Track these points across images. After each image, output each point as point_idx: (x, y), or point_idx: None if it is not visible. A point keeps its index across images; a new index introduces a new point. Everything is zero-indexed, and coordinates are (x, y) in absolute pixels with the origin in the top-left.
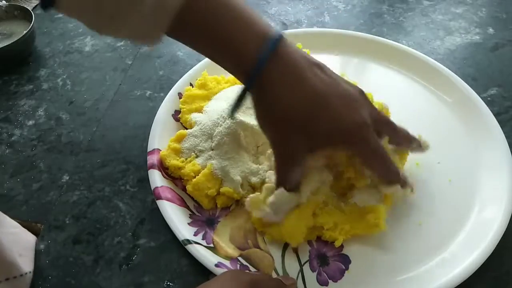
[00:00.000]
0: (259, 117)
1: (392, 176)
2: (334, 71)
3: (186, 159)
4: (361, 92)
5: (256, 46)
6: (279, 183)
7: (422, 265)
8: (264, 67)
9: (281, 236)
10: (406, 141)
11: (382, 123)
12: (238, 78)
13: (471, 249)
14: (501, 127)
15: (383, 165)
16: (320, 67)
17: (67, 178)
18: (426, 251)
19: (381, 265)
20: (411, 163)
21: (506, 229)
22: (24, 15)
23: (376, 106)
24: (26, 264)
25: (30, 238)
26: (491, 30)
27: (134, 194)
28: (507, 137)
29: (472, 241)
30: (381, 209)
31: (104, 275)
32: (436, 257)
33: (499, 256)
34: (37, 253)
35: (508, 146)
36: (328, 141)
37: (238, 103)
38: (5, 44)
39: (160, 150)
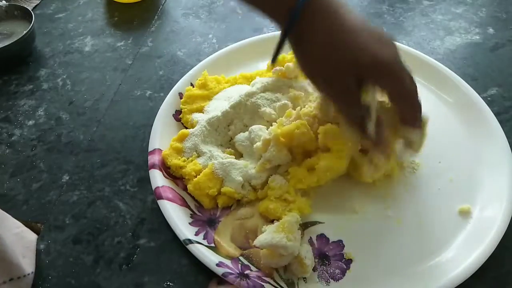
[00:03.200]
0: (300, 60)
1: (416, 121)
2: None
3: (188, 158)
4: (391, 37)
5: None
6: (346, 121)
7: (422, 265)
8: (301, 9)
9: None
10: (412, 115)
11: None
12: (278, 24)
13: (471, 249)
14: (501, 127)
15: (412, 108)
16: (349, 8)
17: (67, 178)
18: (427, 251)
19: (382, 265)
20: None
21: (506, 229)
22: (24, 15)
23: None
24: (29, 265)
25: (32, 238)
26: (491, 30)
27: (134, 194)
28: (507, 137)
29: (472, 241)
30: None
31: (104, 275)
32: (437, 257)
33: (499, 256)
34: (37, 253)
35: (508, 146)
36: (371, 70)
37: (279, 48)
38: (5, 44)
39: (161, 150)
